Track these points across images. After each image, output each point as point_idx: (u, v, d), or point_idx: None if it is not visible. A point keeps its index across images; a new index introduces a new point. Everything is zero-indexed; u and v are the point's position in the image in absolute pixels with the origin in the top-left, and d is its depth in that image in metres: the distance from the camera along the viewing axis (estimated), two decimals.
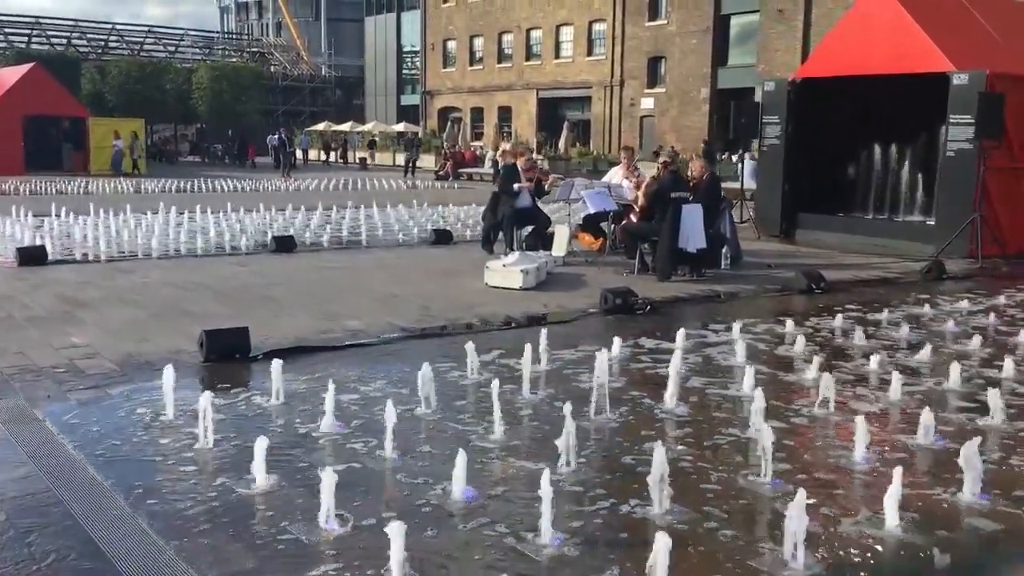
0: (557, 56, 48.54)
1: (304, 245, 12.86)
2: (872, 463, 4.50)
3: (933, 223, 13.62)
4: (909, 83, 13.25)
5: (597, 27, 46.15)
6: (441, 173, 34.84)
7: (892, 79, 13.44)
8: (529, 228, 12.13)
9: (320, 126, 57.06)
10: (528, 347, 5.83)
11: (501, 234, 12.36)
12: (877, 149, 14.82)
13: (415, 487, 4.10)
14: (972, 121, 12.39)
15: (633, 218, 10.74)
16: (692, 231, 10.14)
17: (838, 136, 14.67)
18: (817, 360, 6.24)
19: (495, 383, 5.04)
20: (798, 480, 4.21)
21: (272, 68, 64.96)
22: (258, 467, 4.09)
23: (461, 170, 35.03)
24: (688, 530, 3.70)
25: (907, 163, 14.58)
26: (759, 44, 38.25)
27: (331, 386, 5.03)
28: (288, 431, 4.87)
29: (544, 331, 6.58)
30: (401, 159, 44.38)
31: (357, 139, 54.58)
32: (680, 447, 4.72)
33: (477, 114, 53.49)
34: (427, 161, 41.85)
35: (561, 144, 42.28)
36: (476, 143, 47.35)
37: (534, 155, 31.20)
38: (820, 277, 9.81)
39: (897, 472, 3.76)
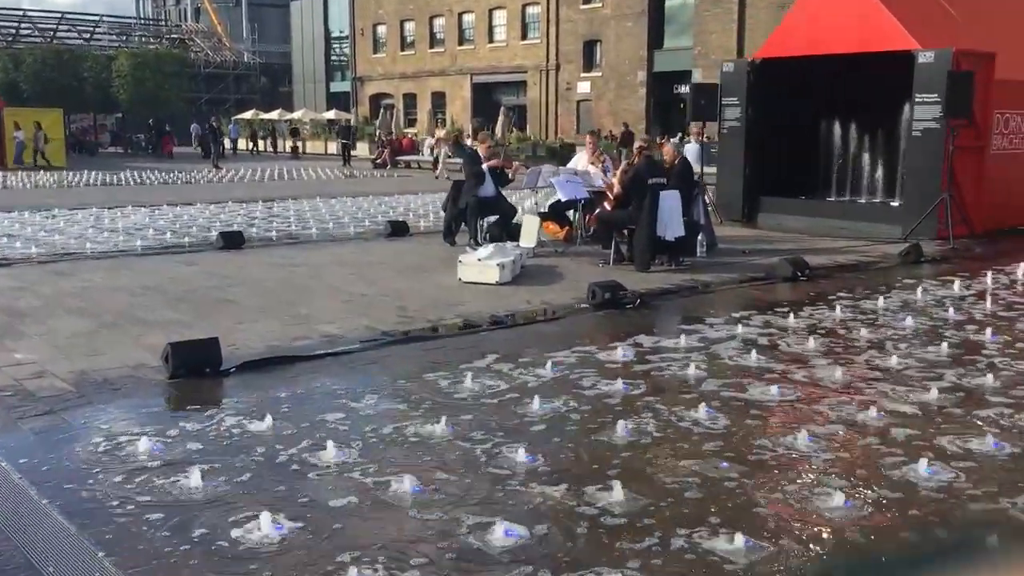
0: (491, 40, 47.84)
1: (252, 241, 12.10)
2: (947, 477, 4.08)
3: (897, 204, 13.47)
4: (872, 62, 13.04)
5: (531, 10, 45.56)
6: (378, 161, 33.98)
7: (855, 58, 13.21)
8: (493, 218, 11.57)
9: (247, 114, 55.42)
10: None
11: (464, 225, 11.82)
12: (839, 130, 14.60)
13: (445, 525, 3.54)
14: (939, 100, 12.22)
15: (607, 206, 10.25)
16: (670, 218, 9.71)
17: (799, 118, 14.42)
18: (835, 354, 5.85)
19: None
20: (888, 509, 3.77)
21: (193, 55, 62.87)
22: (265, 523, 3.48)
23: (399, 158, 34.21)
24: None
25: (870, 144, 14.40)
26: (695, 27, 38.10)
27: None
28: (283, 462, 4.26)
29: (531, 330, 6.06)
30: (334, 147, 43.34)
31: (285, 127, 53.19)
32: (728, 466, 4.24)
33: (410, 100, 52.53)
34: (361, 149, 40.93)
35: (498, 130, 41.70)
36: (410, 130, 46.51)
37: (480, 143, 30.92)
38: (804, 264, 9.47)
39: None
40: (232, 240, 11.66)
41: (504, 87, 48.14)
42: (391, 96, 53.45)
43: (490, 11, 47.49)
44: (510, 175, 11.91)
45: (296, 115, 54.10)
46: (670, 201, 9.69)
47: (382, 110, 47.68)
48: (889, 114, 13.75)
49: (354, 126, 43.83)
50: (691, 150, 25.97)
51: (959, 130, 12.28)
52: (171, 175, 27.50)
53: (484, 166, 11.56)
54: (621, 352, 6.25)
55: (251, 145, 48.97)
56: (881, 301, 8.11)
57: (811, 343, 6.52)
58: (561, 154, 36.71)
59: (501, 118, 41.56)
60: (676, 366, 5.95)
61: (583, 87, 43.38)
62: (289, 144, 45.39)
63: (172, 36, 67.78)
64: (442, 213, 12.61)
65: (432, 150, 32.75)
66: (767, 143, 14.50)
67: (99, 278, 9.08)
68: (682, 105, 40.91)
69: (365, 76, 55.81)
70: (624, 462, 4.26)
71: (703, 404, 5.00)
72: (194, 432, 4.61)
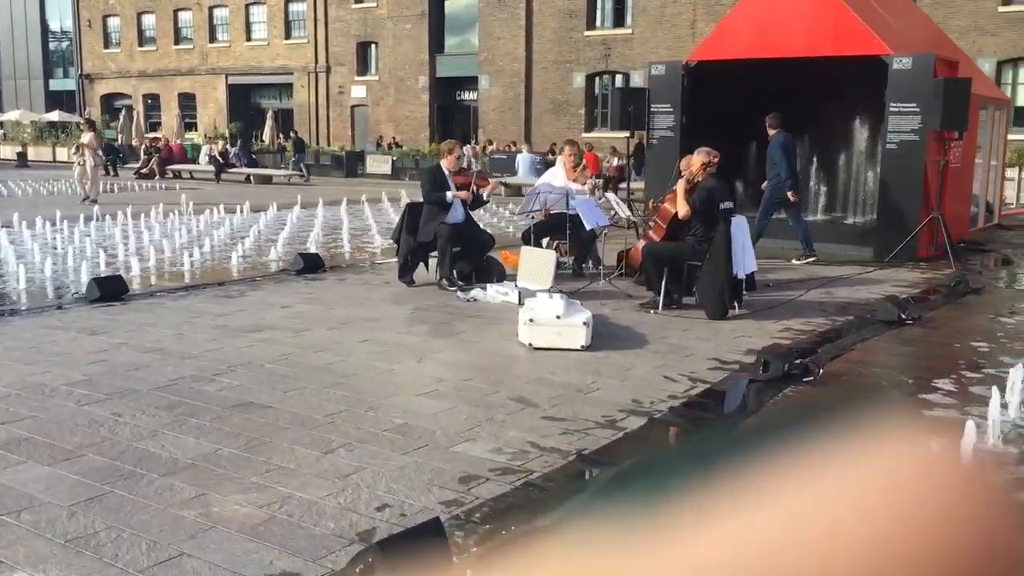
0: (249, 38, 43.71)
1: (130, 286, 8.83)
2: None
3: (856, 223, 12.46)
4: (828, 67, 11.92)
5: (295, 7, 42.06)
6: (145, 171, 29.44)
7: (808, 63, 12.02)
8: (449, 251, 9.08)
9: None
10: None
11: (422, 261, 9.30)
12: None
13: None
14: (917, 110, 11.25)
15: (653, 236, 8.18)
16: (743, 252, 7.83)
17: (743, 127, 13.05)
18: None
19: None
20: None
21: None
22: None
23: (169, 167, 29.85)
24: None
25: (827, 157, 13.31)
26: (480, 31, 36.59)
27: None
28: None
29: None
30: (63, 154, 37.36)
31: None
32: None
33: (153, 101, 47.11)
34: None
35: (266, 135, 38.04)
36: (152, 135, 41.54)
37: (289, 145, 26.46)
38: (905, 303, 7.92)
39: None
40: (110, 288, 8.41)
41: (266, 89, 44.28)
42: (128, 96, 47.68)
43: (247, 6, 43.40)
44: (484, 195, 9.50)
45: (12, 116, 46.81)
46: (742, 230, 7.82)
47: (124, 112, 42.20)
48: (847, 124, 12.73)
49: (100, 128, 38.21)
50: (527, 160, 24.50)
51: (929, 143, 11.40)
52: None
53: (449, 195, 9.08)
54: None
55: None
56: None
57: None
58: (348, 163, 33.97)
59: (269, 122, 38.02)
60: None
61: (358, 91, 40.60)
62: (15, 150, 38.82)
63: None
64: (390, 244, 9.97)
65: (213, 159, 28.78)
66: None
67: None
68: (463, 112, 39.59)
69: (95, 73, 49.41)
70: None
71: None
72: None
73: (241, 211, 16.65)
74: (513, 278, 8.97)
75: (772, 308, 8.12)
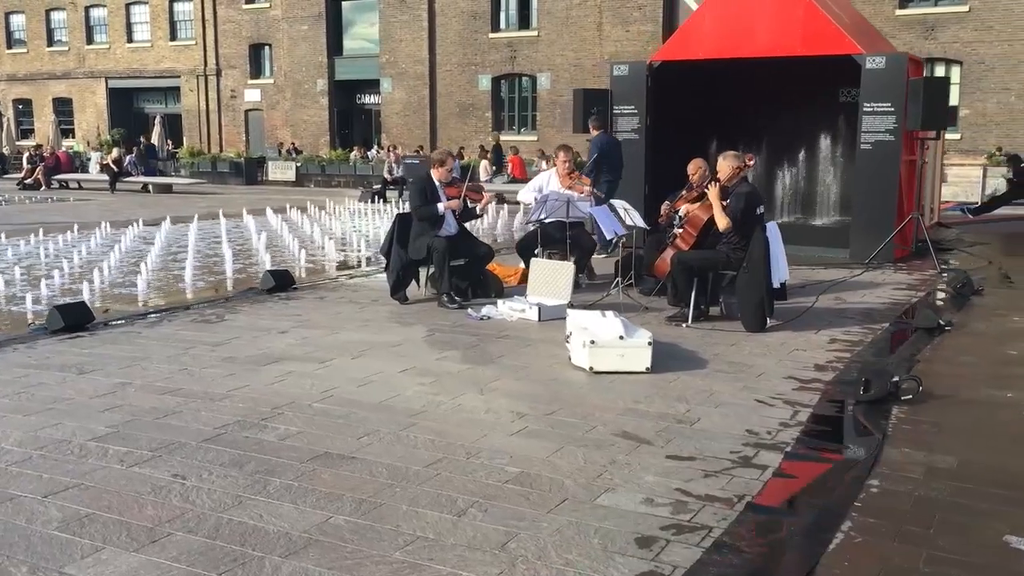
0: (130, 40, 41.46)
1: (98, 313, 7.82)
2: None
3: (825, 223, 12.34)
4: (793, 67, 11.75)
5: (180, 7, 40.13)
6: (29, 181, 27.38)
7: (774, 63, 11.82)
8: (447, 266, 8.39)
9: None
10: None
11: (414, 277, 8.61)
12: (758, 143, 13.17)
13: None
14: (892, 109, 11.18)
15: (681, 244, 7.69)
16: (778, 259, 7.45)
17: (708, 129, 12.80)
18: None
19: None
20: None
21: None
22: None
23: (56, 177, 27.84)
24: None
25: (793, 158, 13.13)
26: (381, 33, 35.60)
27: None
28: None
29: None
30: None
31: None
32: None
33: (24, 107, 44.20)
34: None
35: (155, 140, 36.11)
36: (26, 142, 39.04)
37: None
38: (940, 310, 7.69)
39: None
40: (73, 317, 7.41)
41: (151, 93, 42.19)
42: None
43: (127, 6, 41.21)
44: (478, 209, 8.84)
45: None
46: (775, 237, 7.43)
47: None
48: (816, 124, 12.59)
49: None
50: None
51: (904, 143, 11.36)
52: None
53: (441, 206, 8.42)
54: None
55: None
56: None
57: None
58: (247, 170, 32.55)
59: (158, 128, 36.14)
60: None
61: (252, 95, 39.02)
62: None
63: None
64: (345, 256, 9.19)
65: (107, 168, 26.99)
66: (672, 157, 12.65)
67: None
68: (363, 116, 38.47)
69: None
70: None
71: None
72: None
73: (161, 224, 15.47)
74: (521, 293, 8.39)
75: (799, 318, 7.75)
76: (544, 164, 23.02)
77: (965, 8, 26.43)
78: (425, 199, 8.47)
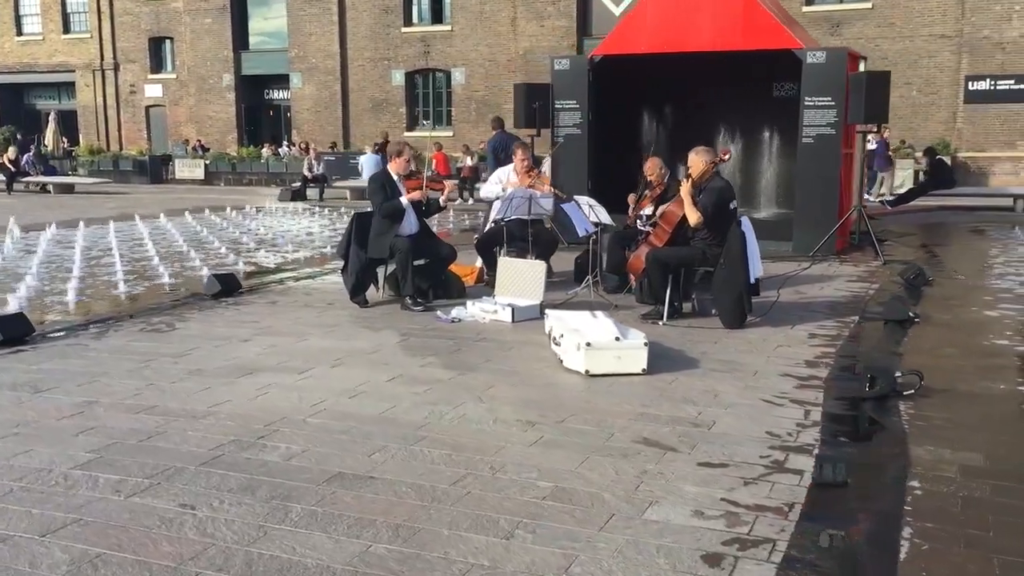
0: (20, 32, 39.46)
1: (38, 327, 7.24)
2: None
3: (764, 217, 12.43)
4: (732, 61, 11.79)
5: None
6: None
7: (715, 57, 11.83)
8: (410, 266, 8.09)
9: None
10: None
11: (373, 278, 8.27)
12: (699, 136, 13.12)
13: None
14: (832, 103, 11.31)
15: (654, 242, 7.54)
16: (754, 255, 7.38)
17: (649, 123, 12.75)
18: None
19: None
20: None
21: None
22: None
23: None
24: None
25: (737, 152, 13.14)
26: (289, 27, 34.70)
27: None
28: None
29: None
30: None
31: None
32: None
33: None
34: None
35: (49, 139, 34.47)
36: None
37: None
38: (909, 303, 7.74)
39: None
40: (13, 329, 6.85)
41: (43, 89, 40.27)
42: None
43: None
44: (441, 201, 8.52)
45: None
46: (750, 232, 7.36)
47: None
48: (752, 119, 12.66)
49: None
50: (371, 160, 23.27)
51: (845, 136, 11.52)
52: None
53: (404, 199, 8.12)
54: None
55: None
56: None
57: None
58: (152, 169, 31.36)
59: (52, 125, 34.49)
60: None
61: (153, 90, 37.60)
62: None
63: None
64: (283, 258, 8.80)
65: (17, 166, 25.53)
66: (613, 153, 12.59)
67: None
68: (271, 112, 37.46)
69: None
70: None
71: None
72: None
73: (78, 226, 14.66)
74: (482, 293, 8.14)
75: (768, 313, 7.70)
76: (468, 160, 22.78)
77: (868, 5, 27.20)
78: (386, 195, 8.14)
